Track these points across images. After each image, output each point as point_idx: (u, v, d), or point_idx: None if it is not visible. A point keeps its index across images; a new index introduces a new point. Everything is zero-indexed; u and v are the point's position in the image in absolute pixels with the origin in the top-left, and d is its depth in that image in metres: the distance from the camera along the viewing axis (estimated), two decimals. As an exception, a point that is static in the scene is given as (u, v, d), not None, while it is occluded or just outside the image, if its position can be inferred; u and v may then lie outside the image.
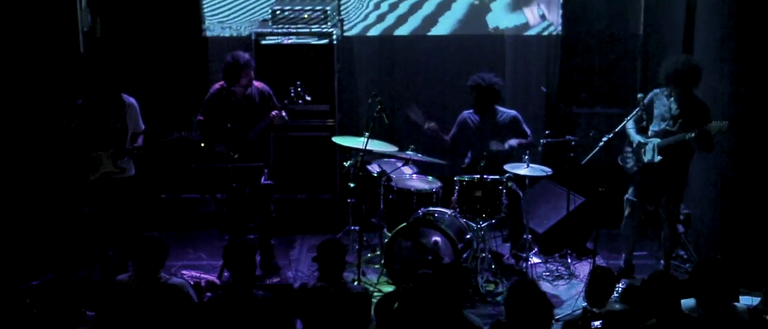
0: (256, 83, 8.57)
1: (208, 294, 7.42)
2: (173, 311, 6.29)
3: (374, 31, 10.28)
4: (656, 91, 8.28)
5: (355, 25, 10.26)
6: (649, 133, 8.23)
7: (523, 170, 8.35)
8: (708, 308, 5.90)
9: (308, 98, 8.51)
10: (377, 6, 10.25)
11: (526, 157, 8.40)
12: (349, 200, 8.98)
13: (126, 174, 8.09)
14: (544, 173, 8.45)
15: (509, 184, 8.42)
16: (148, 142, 8.14)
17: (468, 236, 8.22)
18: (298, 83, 8.49)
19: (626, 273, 8.47)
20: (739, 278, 6.26)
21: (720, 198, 8.51)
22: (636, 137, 8.26)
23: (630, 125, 8.26)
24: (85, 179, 8.00)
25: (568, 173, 9.04)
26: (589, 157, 8.24)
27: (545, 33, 10.18)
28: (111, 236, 8.20)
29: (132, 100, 8.12)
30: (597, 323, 6.07)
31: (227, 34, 10.14)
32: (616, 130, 8.18)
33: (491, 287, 8.28)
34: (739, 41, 8.18)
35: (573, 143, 9.03)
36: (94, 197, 8.15)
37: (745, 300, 6.33)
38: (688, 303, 6.09)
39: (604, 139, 8.14)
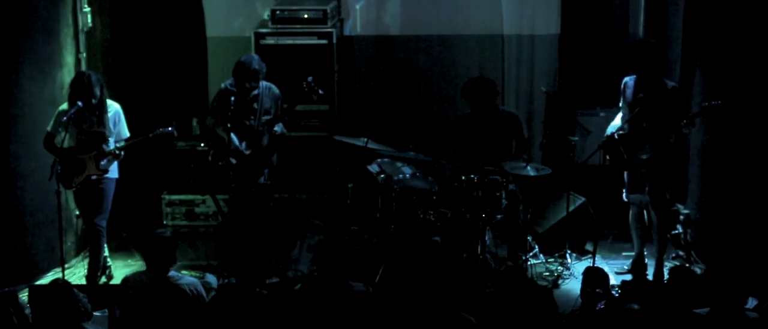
0: (264, 83, 8.54)
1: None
2: (185, 309, 6.31)
3: (374, 31, 10.27)
4: (626, 79, 8.05)
5: (355, 25, 10.25)
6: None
7: (522, 170, 8.33)
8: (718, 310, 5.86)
9: (321, 92, 8.44)
10: (378, 6, 10.25)
11: (525, 156, 8.39)
12: (348, 201, 8.98)
13: (109, 176, 8.07)
14: (543, 173, 8.43)
15: (509, 187, 8.39)
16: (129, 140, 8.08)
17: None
18: (310, 78, 8.45)
19: (637, 270, 8.37)
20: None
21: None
22: None
23: None
24: (69, 183, 7.99)
25: (568, 173, 9.02)
26: (589, 156, 8.21)
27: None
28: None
29: (117, 106, 8.08)
30: (601, 304, 5.98)
31: (227, 35, 10.13)
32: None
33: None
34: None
35: (573, 143, 9.01)
36: (78, 201, 8.21)
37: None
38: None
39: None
